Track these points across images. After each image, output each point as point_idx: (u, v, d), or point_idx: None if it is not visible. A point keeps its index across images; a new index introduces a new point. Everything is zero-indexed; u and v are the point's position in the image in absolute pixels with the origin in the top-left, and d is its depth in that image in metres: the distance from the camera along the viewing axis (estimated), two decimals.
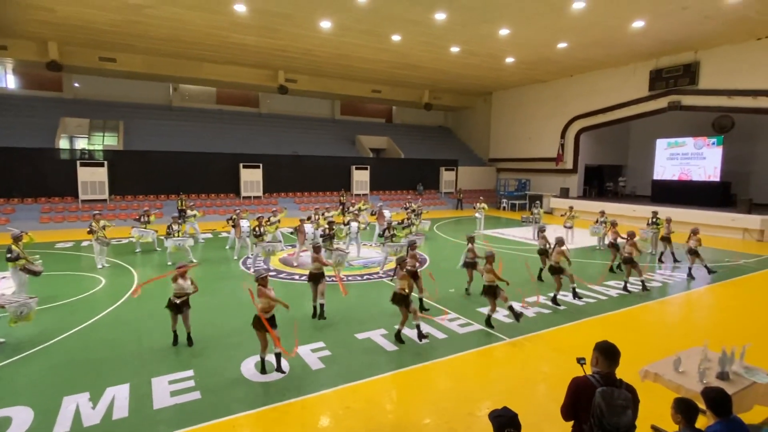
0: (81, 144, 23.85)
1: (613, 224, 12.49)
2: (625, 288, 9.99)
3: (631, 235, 10.15)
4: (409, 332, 7.27)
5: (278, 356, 6.04)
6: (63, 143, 22.67)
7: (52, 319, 7.98)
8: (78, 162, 19.92)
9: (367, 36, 18.80)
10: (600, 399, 2.88)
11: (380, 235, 12.11)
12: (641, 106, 22.90)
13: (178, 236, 12.33)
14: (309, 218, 14.06)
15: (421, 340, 6.96)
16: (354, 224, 13.43)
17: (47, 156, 20.04)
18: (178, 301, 6.64)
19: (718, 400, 3.21)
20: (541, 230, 11.16)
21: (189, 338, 6.81)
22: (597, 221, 15.01)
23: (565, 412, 3.07)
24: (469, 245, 9.38)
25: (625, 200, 24.71)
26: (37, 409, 5.05)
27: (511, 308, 7.63)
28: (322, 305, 8.04)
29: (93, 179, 20.05)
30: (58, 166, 20.11)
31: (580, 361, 3.20)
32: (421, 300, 8.53)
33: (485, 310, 8.46)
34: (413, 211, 16.53)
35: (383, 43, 19.83)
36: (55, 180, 19.90)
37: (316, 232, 13.09)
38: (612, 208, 21.23)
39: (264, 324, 5.84)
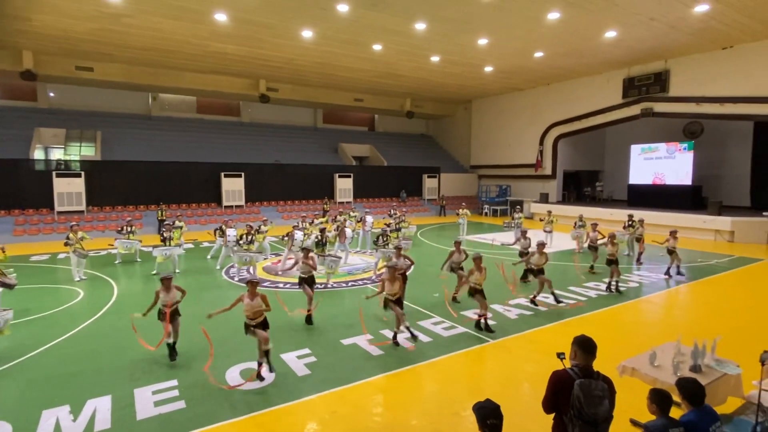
0: (57, 154, 23.28)
1: (594, 225, 12.82)
2: (609, 288, 10.23)
3: (612, 236, 10.44)
4: (393, 335, 7.31)
5: (260, 365, 6.00)
6: (38, 154, 22.10)
7: (29, 332, 7.77)
8: (54, 173, 19.46)
9: (349, 45, 18.98)
10: (578, 390, 2.99)
11: (374, 242, 12.20)
12: (616, 113, 23.60)
13: (167, 245, 12.11)
14: (296, 226, 14.05)
15: (397, 345, 6.99)
16: (348, 231, 13.51)
17: (22, 167, 19.52)
18: (168, 311, 6.55)
19: (691, 389, 3.35)
20: (524, 233, 11.39)
21: (174, 347, 6.68)
22: (575, 225, 15.35)
23: (546, 404, 3.17)
24: (453, 250, 9.44)
25: (603, 204, 25.32)
26: (16, 423, 4.92)
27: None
28: (310, 313, 8.04)
29: (69, 190, 19.60)
30: (33, 177, 19.61)
31: (560, 356, 3.31)
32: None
33: (469, 313, 8.58)
34: (398, 218, 16.70)
35: (365, 53, 20.04)
36: (30, 191, 19.39)
37: (305, 239, 13.03)
38: (590, 212, 21.76)
39: (252, 329, 5.96)
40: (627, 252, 14.53)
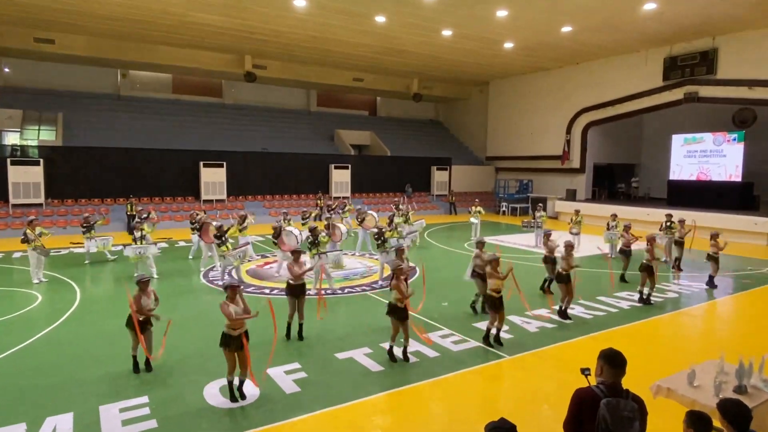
0: (12, 139, 23.38)
1: (627, 228, 12.81)
2: (642, 299, 10.25)
3: (652, 239, 10.32)
4: (395, 351, 7.36)
5: (241, 382, 6.03)
6: None
7: None
8: (8, 160, 19.58)
9: (348, 17, 18.98)
10: (605, 411, 3.02)
11: (376, 239, 12.30)
12: (655, 98, 23.56)
13: (141, 243, 12.18)
14: (280, 225, 14.10)
15: (408, 360, 7.09)
16: (342, 227, 13.59)
17: None
18: (141, 318, 6.53)
19: (735, 412, 3.34)
20: (548, 235, 11.37)
21: (148, 362, 6.73)
22: (609, 226, 15.34)
23: (569, 426, 3.21)
24: (477, 251, 9.35)
25: (639, 203, 25.29)
26: None
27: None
28: (300, 325, 8.04)
29: (26, 180, 19.71)
30: None
31: (585, 371, 3.34)
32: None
33: (482, 324, 8.61)
34: (404, 214, 16.80)
35: (366, 25, 20.04)
36: None
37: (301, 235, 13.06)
38: (624, 211, 21.71)
39: (239, 342, 5.89)
40: (664, 258, 14.53)
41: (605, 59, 25.39)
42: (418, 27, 20.24)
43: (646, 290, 10.27)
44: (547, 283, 10.90)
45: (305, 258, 8.92)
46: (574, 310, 9.69)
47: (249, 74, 26.08)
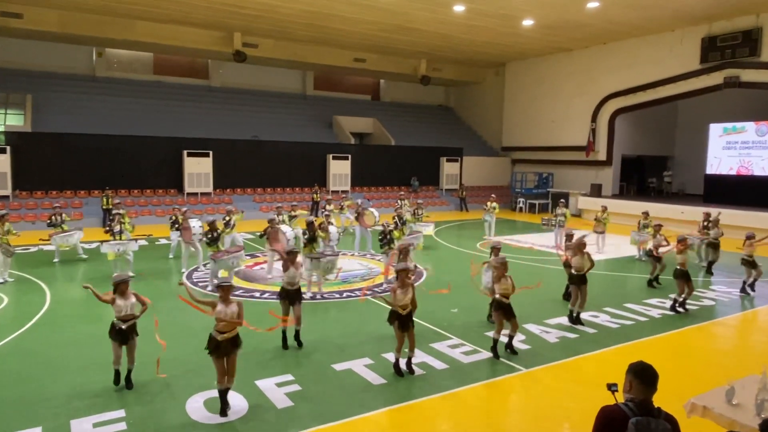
0: None
1: (658, 228, 12.77)
2: (674, 307, 10.22)
3: (683, 240, 10.27)
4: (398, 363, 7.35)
5: (223, 393, 5.99)
6: None
7: None
8: None
9: None
10: (634, 431, 3.00)
11: (380, 240, 12.27)
12: (691, 83, 23.44)
13: (119, 239, 12.19)
14: (274, 221, 14.10)
15: (413, 373, 7.10)
16: (333, 228, 13.51)
17: None
18: (124, 327, 6.36)
19: None
20: (570, 236, 11.33)
21: (129, 378, 6.53)
22: (639, 225, 15.29)
23: None
24: (493, 256, 8.98)
25: (672, 200, 25.24)
26: None
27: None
28: (297, 332, 8.04)
29: None
30: None
31: (611, 387, 3.32)
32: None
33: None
34: (415, 212, 16.86)
35: None
36: None
37: (292, 233, 13.06)
38: (656, 209, 21.60)
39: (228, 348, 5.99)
40: (698, 260, 14.49)
41: (636, 39, 25.26)
42: (427, 2, 20.17)
43: (681, 298, 10.22)
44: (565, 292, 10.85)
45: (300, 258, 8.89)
46: (599, 318, 9.67)
47: (238, 53, 26.06)
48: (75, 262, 14.01)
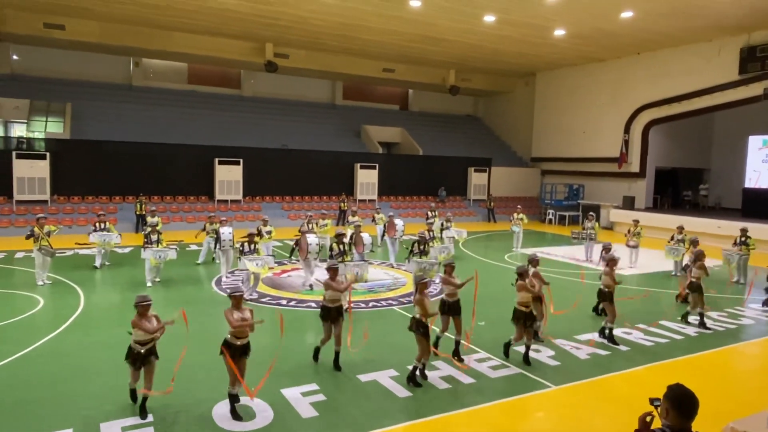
0: (18, 131, 24.37)
1: (694, 243, 12.41)
2: (702, 324, 9.96)
3: (700, 255, 10.22)
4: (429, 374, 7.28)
5: (233, 398, 6.11)
6: None
7: None
8: (14, 153, 20.37)
9: (379, 1, 19.08)
10: None
11: (409, 251, 12.17)
12: (728, 94, 22.84)
13: (159, 246, 12.40)
14: (303, 229, 14.25)
15: (414, 384, 7.06)
16: (367, 236, 13.51)
17: None
18: (143, 350, 6.05)
19: None
20: (606, 249, 11.12)
21: (143, 407, 6.04)
22: (673, 239, 14.92)
23: None
24: (533, 270, 8.77)
25: (708, 214, 24.55)
26: None
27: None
28: (337, 353, 7.62)
29: (32, 175, 20.47)
30: None
31: (654, 402, 3.18)
32: (457, 344, 8.04)
33: (524, 348, 8.47)
34: (443, 223, 16.82)
35: (398, 10, 20.10)
36: None
37: (317, 240, 13.01)
38: (691, 223, 21.04)
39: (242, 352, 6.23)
40: (736, 278, 14.09)
41: (671, 49, 24.79)
42: (456, 12, 20.18)
43: (696, 313, 10.07)
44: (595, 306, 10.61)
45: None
46: (632, 335, 9.43)
47: (270, 64, 26.50)
48: (109, 267, 14.30)
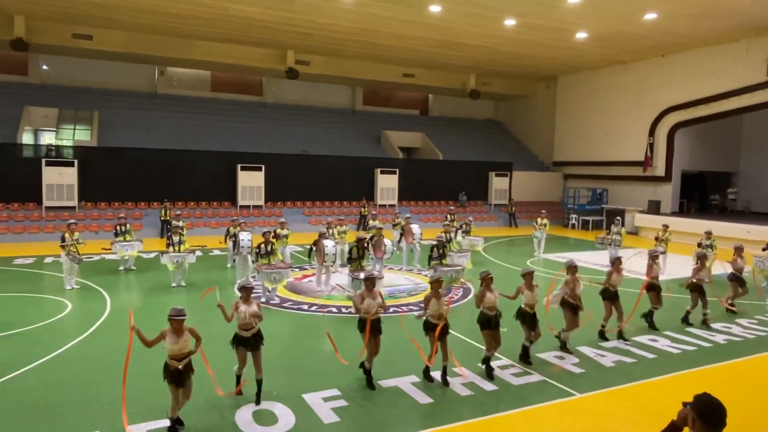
0: (48, 138, 25.00)
1: (739, 250, 11.97)
2: (686, 320, 10.31)
3: (702, 257, 10.38)
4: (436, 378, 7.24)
5: (258, 382, 6.61)
6: (26, 137, 23.87)
7: (7, 350, 8.35)
8: (43, 160, 20.91)
9: (399, 6, 19.15)
10: None
11: (431, 257, 12.04)
12: (757, 95, 22.34)
13: (177, 251, 12.59)
14: (323, 234, 14.29)
15: (447, 385, 7.17)
16: (388, 242, 13.41)
17: (7, 153, 21.16)
18: (180, 366, 5.67)
19: None
20: (654, 256, 10.72)
21: (178, 424, 5.86)
22: (700, 245, 14.59)
23: None
24: (568, 277, 8.67)
25: (737, 218, 24.00)
26: None
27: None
28: (365, 367, 7.27)
29: (60, 182, 20.97)
30: (19, 165, 21.19)
31: (687, 405, 3.11)
32: (486, 361, 7.68)
33: (548, 356, 8.38)
34: (463, 226, 16.70)
35: (419, 16, 20.13)
36: (16, 182, 20.91)
37: (336, 248, 13.02)
38: (719, 227, 20.53)
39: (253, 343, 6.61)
40: (765, 284, 13.68)
41: (696, 50, 24.35)
42: (477, 16, 20.12)
43: (705, 312, 10.20)
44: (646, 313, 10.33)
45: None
46: (658, 342, 9.25)
47: (291, 70, 26.75)
48: (135, 272, 14.55)
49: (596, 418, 6.50)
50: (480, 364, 7.76)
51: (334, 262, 12.47)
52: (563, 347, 8.67)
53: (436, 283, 7.37)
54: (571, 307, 8.52)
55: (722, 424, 2.83)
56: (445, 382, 7.20)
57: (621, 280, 9.40)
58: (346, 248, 14.24)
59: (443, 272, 11.53)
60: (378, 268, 12.99)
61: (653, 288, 10.03)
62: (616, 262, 9.53)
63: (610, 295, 9.27)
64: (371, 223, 17.33)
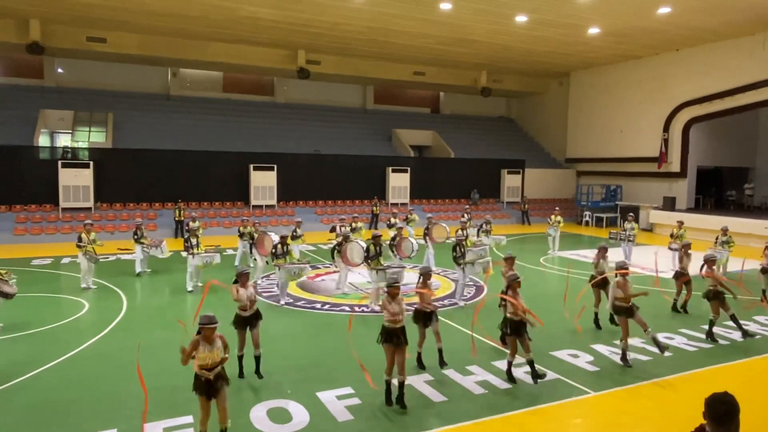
0: (63, 141, 25.35)
1: None
2: (711, 335, 9.22)
3: (710, 260, 9.46)
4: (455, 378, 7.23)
5: (256, 358, 7.30)
6: (43, 140, 24.22)
7: (27, 349, 8.50)
8: (59, 162, 21.20)
9: (409, 5, 19.12)
10: None
11: (455, 258, 11.58)
12: None
13: (199, 251, 12.56)
14: (333, 230, 14.38)
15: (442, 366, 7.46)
16: (412, 240, 13.26)
17: (24, 155, 21.46)
18: (211, 377, 5.31)
19: None
20: (686, 246, 11.30)
21: None
22: (717, 241, 14.39)
23: None
24: (620, 280, 8.19)
25: (754, 214, 23.64)
26: None
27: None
28: (401, 384, 6.71)
29: (76, 183, 21.25)
30: (36, 167, 21.49)
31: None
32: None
33: (562, 354, 8.33)
34: (483, 225, 16.61)
35: (429, 14, 20.08)
36: (33, 183, 21.24)
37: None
38: (735, 223, 20.30)
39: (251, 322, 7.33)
40: None
41: (711, 44, 24.00)
42: (488, 13, 20.03)
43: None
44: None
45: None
46: (674, 340, 9.15)
47: (302, 70, 26.83)
48: (150, 273, 14.59)
49: (611, 417, 6.46)
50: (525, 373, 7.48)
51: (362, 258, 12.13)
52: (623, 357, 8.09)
53: (425, 276, 8.00)
54: (626, 311, 7.95)
55: (728, 420, 2.78)
56: (442, 364, 7.68)
57: (608, 267, 9.86)
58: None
59: (471, 268, 11.45)
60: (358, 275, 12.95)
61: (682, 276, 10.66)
62: (600, 250, 10.01)
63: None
64: (392, 221, 17.24)
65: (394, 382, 6.58)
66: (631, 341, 9.02)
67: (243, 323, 7.32)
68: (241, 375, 7.27)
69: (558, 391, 7.06)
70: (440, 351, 7.76)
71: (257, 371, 7.31)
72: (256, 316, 7.42)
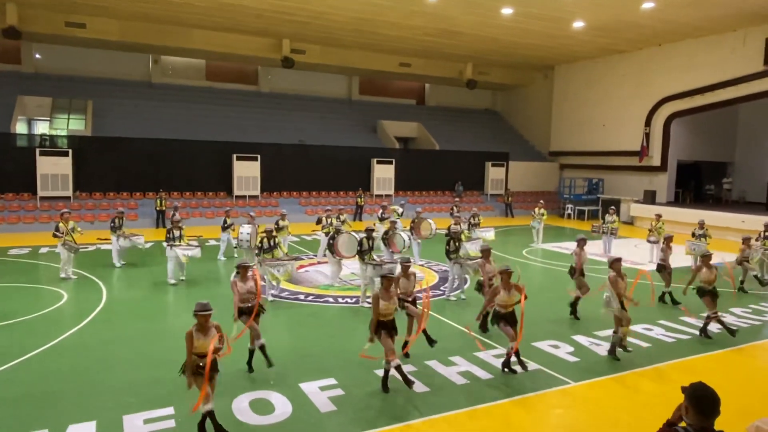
0: (41, 128, 24.82)
1: (746, 241, 12.30)
2: (704, 332, 9.15)
3: (706, 257, 9.40)
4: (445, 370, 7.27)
5: (261, 347, 7.05)
6: (20, 127, 23.67)
7: (4, 340, 8.33)
8: (37, 150, 20.77)
9: None
10: None
11: (447, 252, 11.39)
12: (753, 85, 22.31)
13: (182, 243, 12.30)
14: (319, 221, 14.30)
15: (409, 386, 6.63)
16: (405, 235, 13.11)
17: (1, 143, 21.00)
18: (201, 363, 5.41)
19: None
20: (668, 239, 11.71)
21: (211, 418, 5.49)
22: (694, 235, 14.65)
23: None
24: (612, 274, 8.07)
25: (732, 208, 24.09)
26: None
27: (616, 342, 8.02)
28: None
29: (55, 171, 20.85)
30: (13, 155, 21.03)
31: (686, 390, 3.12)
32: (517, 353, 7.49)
33: (543, 345, 8.42)
34: (471, 219, 16.63)
35: (415, 4, 20.00)
36: (10, 172, 20.76)
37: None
38: (713, 217, 20.66)
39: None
40: (756, 272, 13.71)
41: (693, 40, 24.29)
42: (474, 5, 20.01)
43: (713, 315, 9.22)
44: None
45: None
46: (652, 331, 9.30)
47: (287, 59, 26.57)
48: (130, 264, 14.36)
49: (591, 406, 6.55)
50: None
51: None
52: (613, 353, 8.05)
53: (405, 266, 7.96)
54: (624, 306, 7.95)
55: (715, 413, 2.89)
56: (405, 355, 7.65)
57: (586, 260, 10.34)
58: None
59: (469, 266, 11.11)
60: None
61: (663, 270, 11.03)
62: (580, 242, 10.30)
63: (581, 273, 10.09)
64: (384, 214, 17.19)
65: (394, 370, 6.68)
66: (609, 331, 9.14)
67: (245, 314, 7.16)
68: (251, 369, 7.18)
69: (539, 382, 7.13)
70: (425, 332, 7.64)
71: (249, 363, 7.21)
72: (258, 309, 7.25)
